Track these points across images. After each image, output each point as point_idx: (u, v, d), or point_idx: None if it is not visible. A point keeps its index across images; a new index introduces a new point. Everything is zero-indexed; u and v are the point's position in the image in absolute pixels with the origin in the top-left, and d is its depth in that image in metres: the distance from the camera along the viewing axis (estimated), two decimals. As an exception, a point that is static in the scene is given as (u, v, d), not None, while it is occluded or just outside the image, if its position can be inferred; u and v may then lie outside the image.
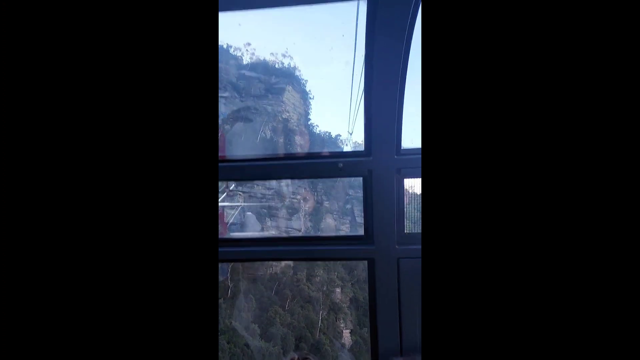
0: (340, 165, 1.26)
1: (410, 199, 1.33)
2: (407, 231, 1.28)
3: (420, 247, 1.20)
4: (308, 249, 1.31)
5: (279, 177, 1.27)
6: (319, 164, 1.28)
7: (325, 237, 1.33)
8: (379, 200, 1.25)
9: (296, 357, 1.13)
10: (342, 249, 1.30)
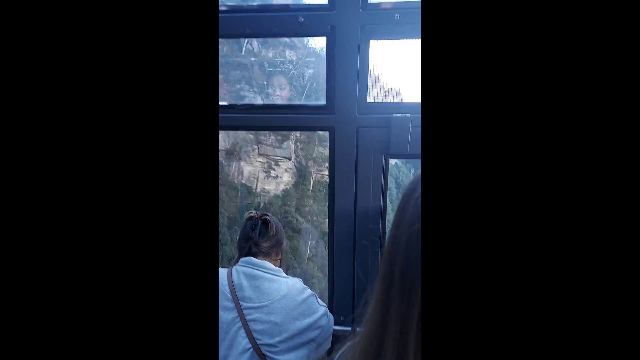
0: (301, 19, 1.14)
1: (375, 65, 1.25)
2: (370, 100, 1.22)
3: (380, 115, 1.17)
4: (267, 117, 1.25)
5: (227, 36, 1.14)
6: (276, 18, 1.16)
7: (287, 105, 1.27)
8: (343, 65, 1.16)
9: (254, 213, 1.15)
10: (303, 117, 1.25)
